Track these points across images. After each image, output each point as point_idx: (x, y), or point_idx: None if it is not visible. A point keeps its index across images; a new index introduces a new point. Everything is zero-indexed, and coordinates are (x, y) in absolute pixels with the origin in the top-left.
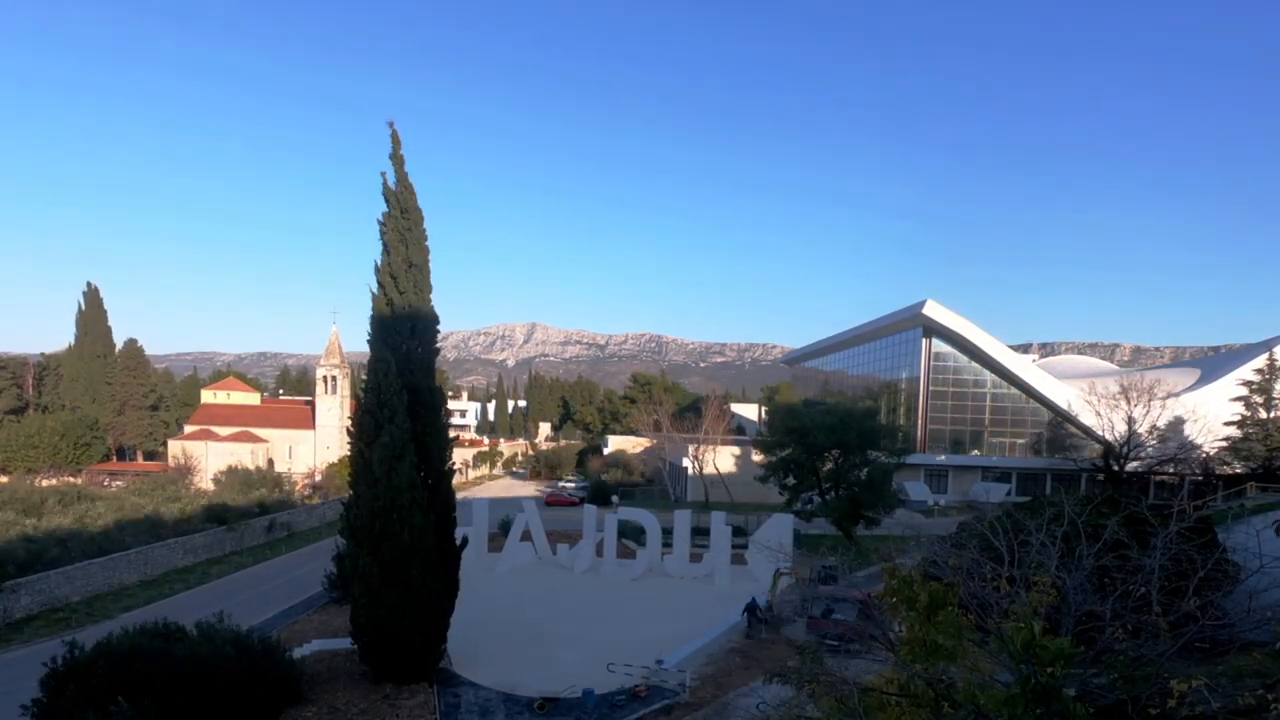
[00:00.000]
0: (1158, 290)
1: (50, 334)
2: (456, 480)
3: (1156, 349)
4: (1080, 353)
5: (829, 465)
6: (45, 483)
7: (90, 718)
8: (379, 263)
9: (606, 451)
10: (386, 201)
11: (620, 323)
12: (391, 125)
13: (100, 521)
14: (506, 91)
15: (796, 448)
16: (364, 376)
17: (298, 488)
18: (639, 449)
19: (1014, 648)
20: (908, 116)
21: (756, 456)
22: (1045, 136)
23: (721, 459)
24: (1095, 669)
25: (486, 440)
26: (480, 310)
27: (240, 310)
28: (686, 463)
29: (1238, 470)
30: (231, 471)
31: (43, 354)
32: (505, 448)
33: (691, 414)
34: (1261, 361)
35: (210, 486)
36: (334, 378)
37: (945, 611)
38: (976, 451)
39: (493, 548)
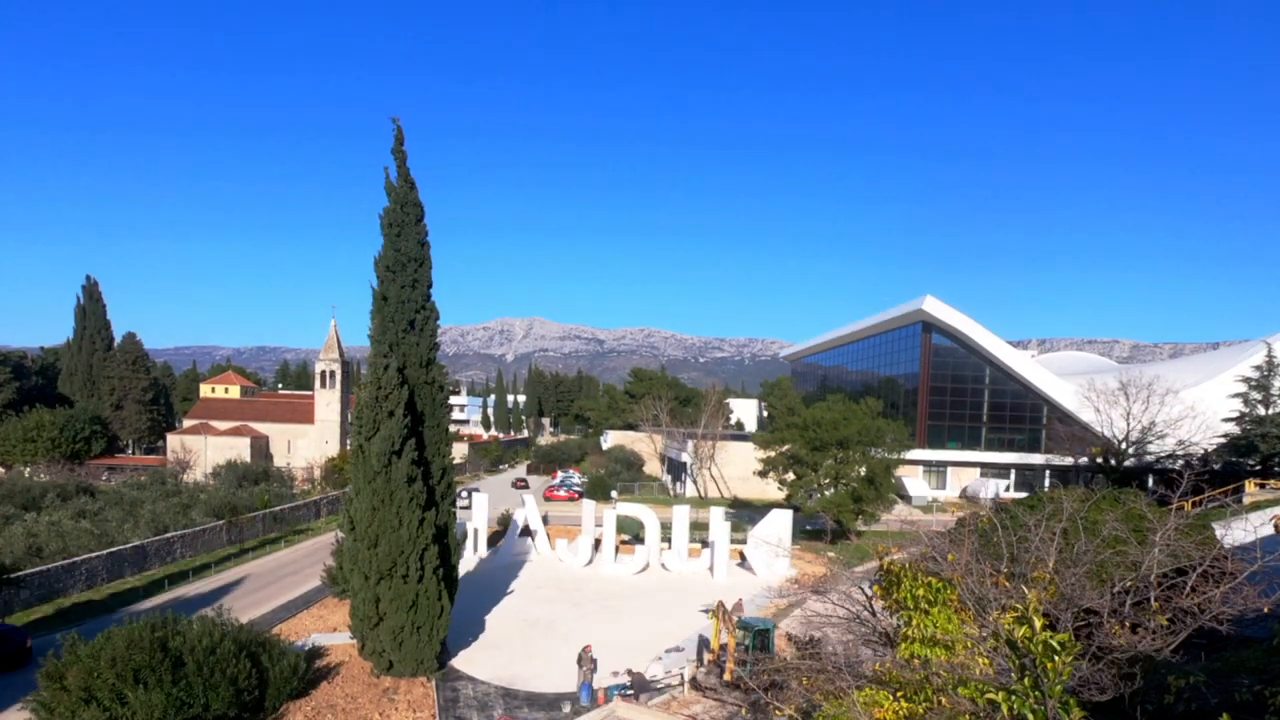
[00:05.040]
0: (1156, 287)
1: (49, 328)
2: (456, 475)
3: (1155, 345)
4: (1079, 349)
5: (829, 460)
6: (45, 477)
7: (91, 711)
8: (379, 256)
9: (606, 446)
10: (388, 195)
11: (619, 318)
12: (395, 121)
13: (99, 516)
14: (507, 88)
15: (796, 443)
16: (364, 371)
17: (297, 482)
18: (638, 444)
19: (1012, 642)
20: (908, 111)
21: (756, 452)
22: (1045, 133)
23: (721, 454)
24: (1093, 664)
25: (486, 435)
26: (479, 305)
27: (239, 304)
28: (686, 457)
29: (1236, 467)
30: (230, 466)
31: (42, 348)
32: (505, 442)
33: (691, 409)
34: (1260, 358)
35: (209, 480)
36: (333, 372)
37: (943, 606)
38: (975, 448)
39: (492, 542)
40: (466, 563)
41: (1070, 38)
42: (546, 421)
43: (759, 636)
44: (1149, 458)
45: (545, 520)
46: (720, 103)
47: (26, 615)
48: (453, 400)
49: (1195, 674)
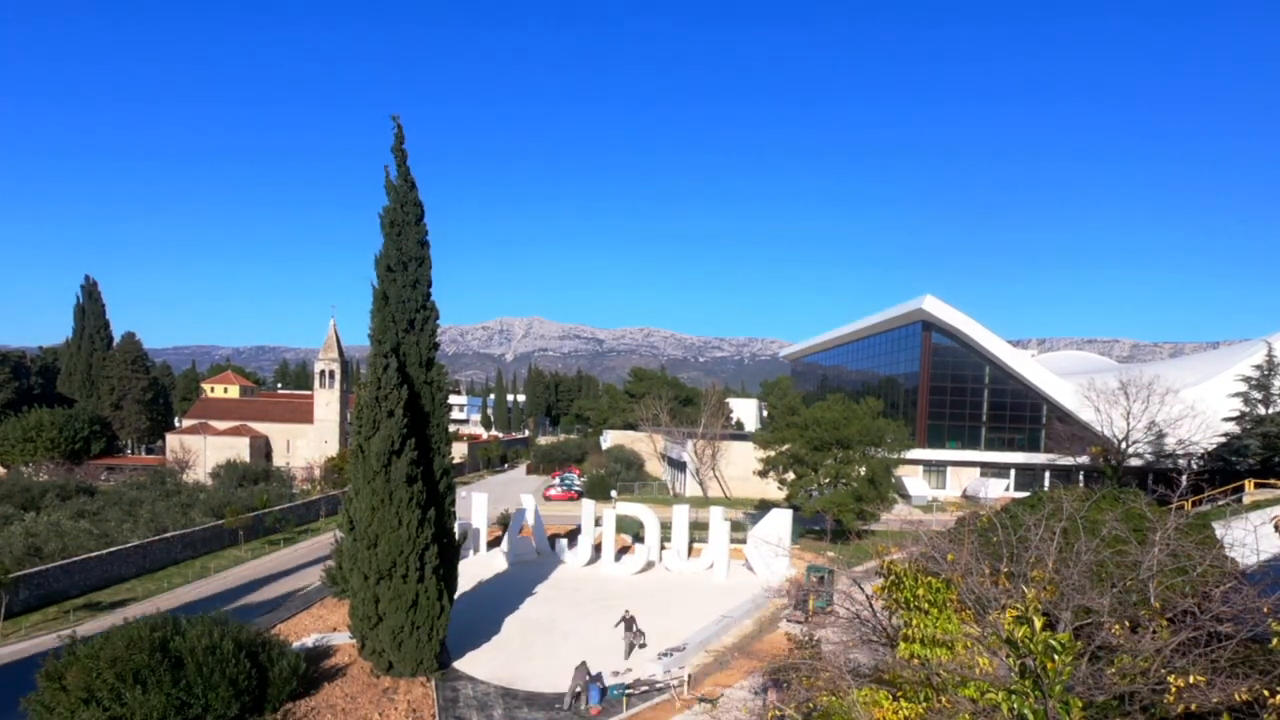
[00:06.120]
0: (1156, 287)
1: (48, 327)
2: (456, 475)
3: (1155, 345)
4: (1079, 348)
5: (829, 460)
6: (44, 477)
7: (91, 712)
8: (380, 255)
9: (606, 446)
10: (388, 194)
11: (618, 317)
12: (395, 119)
13: (99, 516)
14: (508, 88)
15: (797, 443)
16: (364, 371)
17: (297, 482)
18: (638, 444)
19: (1012, 641)
20: (907, 113)
21: (756, 451)
22: (1045, 133)
23: (720, 453)
24: (1093, 663)
25: (486, 435)
26: (479, 305)
27: (239, 304)
28: (685, 457)
29: (1236, 466)
30: (230, 465)
31: (41, 347)
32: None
33: (691, 409)
34: (1260, 357)
35: (208, 480)
36: (332, 372)
37: (942, 607)
38: (976, 447)
39: (491, 541)
40: (465, 562)
41: (1070, 38)
42: (546, 421)
43: (822, 576)
44: (1149, 457)
45: (544, 520)
46: (722, 107)
47: (26, 617)
48: (452, 400)
49: (1196, 673)
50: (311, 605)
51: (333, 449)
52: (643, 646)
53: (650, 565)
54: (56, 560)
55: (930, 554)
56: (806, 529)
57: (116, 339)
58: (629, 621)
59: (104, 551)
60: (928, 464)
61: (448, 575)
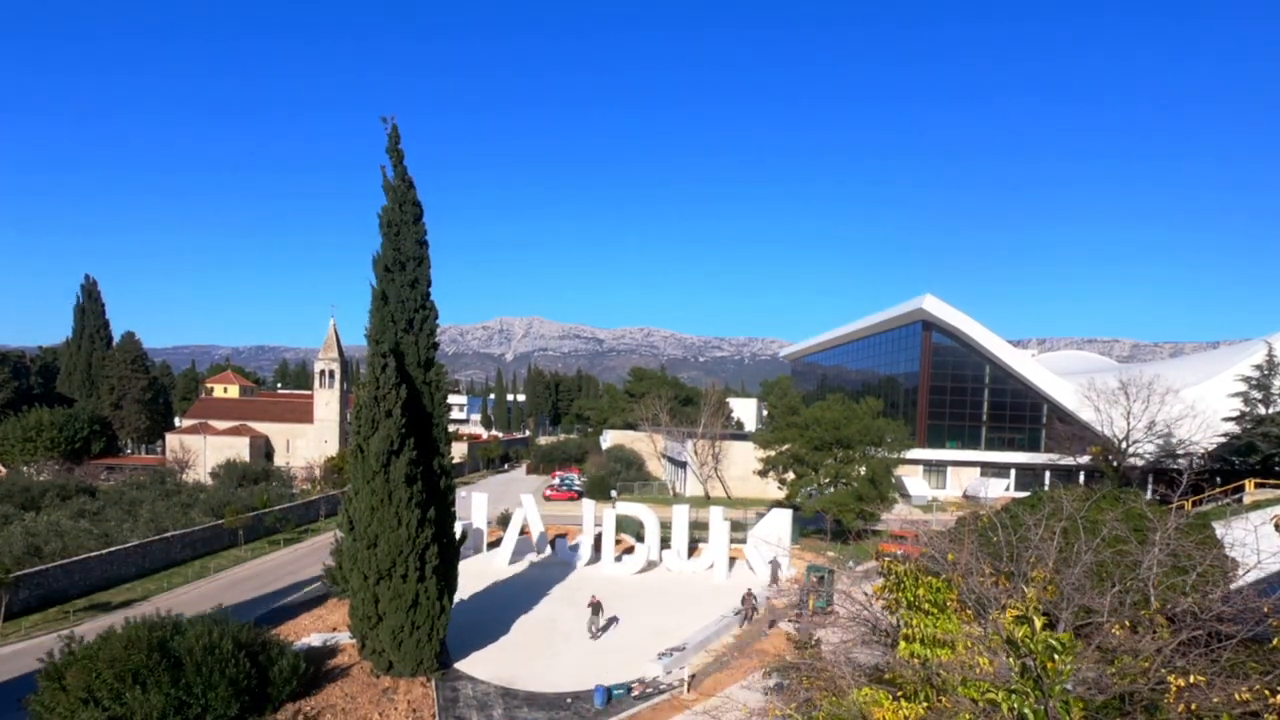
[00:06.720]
0: (1156, 287)
1: (48, 327)
2: (457, 475)
3: (1155, 345)
4: (1079, 348)
5: (829, 460)
6: (44, 477)
7: (90, 712)
8: (378, 255)
9: (606, 446)
10: (386, 195)
11: (618, 317)
12: (388, 120)
13: (99, 515)
14: (507, 90)
15: (797, 443)
16: (363, 370)
17: (297, 481)
18: (638, 444)
19: (1013, 641)
20: (907, 112)
21: (756, 451)
22: (1045, 133)
23: (721, 453)
24: (1093, 663)
25: (486, 435)
26: (479, 305)
27: (239, 304)
28: (686, 457)
29: (1238, 467)
30: (229, 465)
31: (41, 347)
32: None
33: (691, 409)
34: (1260, 357)
35: (208, 480)
36: (332, 371)
37: (943, 606)
38: (976, 447)
39: (491, 542)
40: (465, 562)
41: (1071, 38)
42: (546, 421)
43: (822, 575)
44: (1149, 457)
45: (544, 520)
46: (722, 107)
47: (26, 617)
48: (452, 399)
49: (1196, 673)
50: (312, 605)
51: (333, 449)
52: (603, 630)
53: (651, 565)
54: (56, 560)
55: (930, 554)
56: (807, 529)
57: (116, 339)
58: (596, 606)
59: (104, 551)
60: (928, 464)
61: (448, 575)
